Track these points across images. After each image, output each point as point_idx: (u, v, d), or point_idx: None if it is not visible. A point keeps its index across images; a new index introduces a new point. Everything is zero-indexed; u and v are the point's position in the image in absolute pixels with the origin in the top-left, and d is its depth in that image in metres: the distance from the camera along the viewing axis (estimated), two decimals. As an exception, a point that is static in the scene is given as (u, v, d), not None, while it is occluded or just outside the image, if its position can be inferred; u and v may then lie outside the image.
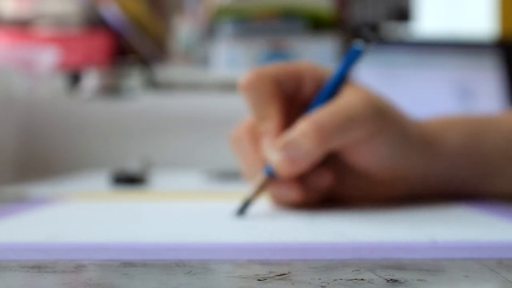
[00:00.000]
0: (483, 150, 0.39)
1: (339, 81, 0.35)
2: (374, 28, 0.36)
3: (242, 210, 0.32)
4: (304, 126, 0.32)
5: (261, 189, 0.33)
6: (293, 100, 0.36)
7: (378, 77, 0.84)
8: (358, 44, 0.35)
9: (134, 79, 0.87)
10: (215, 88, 0.87)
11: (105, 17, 0.96)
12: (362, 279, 0.18)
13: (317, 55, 0.87)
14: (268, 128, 0.34)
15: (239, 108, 0.42)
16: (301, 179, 0.34)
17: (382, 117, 0.34)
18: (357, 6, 1.10)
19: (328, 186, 0.35)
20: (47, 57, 0.80)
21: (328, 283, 0.18)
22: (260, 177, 0.33)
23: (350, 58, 0.36)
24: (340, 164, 0.36)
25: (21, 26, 0.97)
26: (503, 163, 0.39)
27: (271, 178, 0.33)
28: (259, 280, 0.18)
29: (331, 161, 0.35)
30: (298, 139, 0.32)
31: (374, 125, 0.33)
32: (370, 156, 0.35)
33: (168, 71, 0.92)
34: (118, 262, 0.21)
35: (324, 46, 0.89)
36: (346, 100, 0.34)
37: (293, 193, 0.34)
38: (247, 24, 0.90)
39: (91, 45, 0.95)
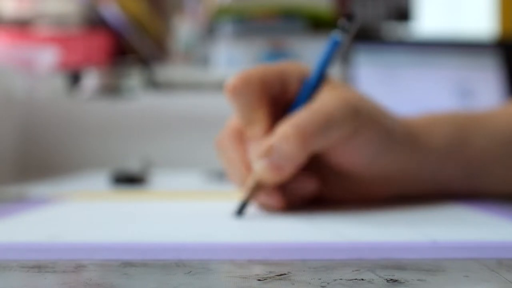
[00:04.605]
0: (469, 148, 0.38)
1: (319, 80, 0.35)
2: (350, 16, 0.34)
3: (240, 211, 0.32)
4: (284, 130, 0.32)
5: (254, 191, 0.33)
6: (280, 101, 0.35)
7: (378, 77, 0.84)
8: (336, 34, 0.35)
9: (134, 79, 0.87)
10: (215, 88, 0.87)
11: (105, 17, 0.96)
12: (362, 279, 0.18)
13: (317, 55, 0.87)
14: (255, 133, 0.34)
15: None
16: (284, 185, 0.33)
17: (360, 116, 0.33)
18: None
19: (312, 191, 0.34)
20: (47, 57, 0.80)
21: (328, 283, 0.18)
22: (251, 180, 0.33)
23: (329, 50, 0.35)
24: (324, 166, 0.35)
25: (21, 26, 0.97)
26: (490, 163, 0.39)
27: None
28: (259, 280, 0.18)
29: (314, 164, 0.35)
30: (279, 144, 0.31)
31: (352, 125, 0.33)
32: (352, 156, 0.34)
33: (168, 71, 0.92)
34: (118, 262, 0.21)
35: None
36: (324, 100, 0.33)
37: (274, 201, 0.33)
38: (247, 24, 0.90)
39: (91, 45, 0.95)
